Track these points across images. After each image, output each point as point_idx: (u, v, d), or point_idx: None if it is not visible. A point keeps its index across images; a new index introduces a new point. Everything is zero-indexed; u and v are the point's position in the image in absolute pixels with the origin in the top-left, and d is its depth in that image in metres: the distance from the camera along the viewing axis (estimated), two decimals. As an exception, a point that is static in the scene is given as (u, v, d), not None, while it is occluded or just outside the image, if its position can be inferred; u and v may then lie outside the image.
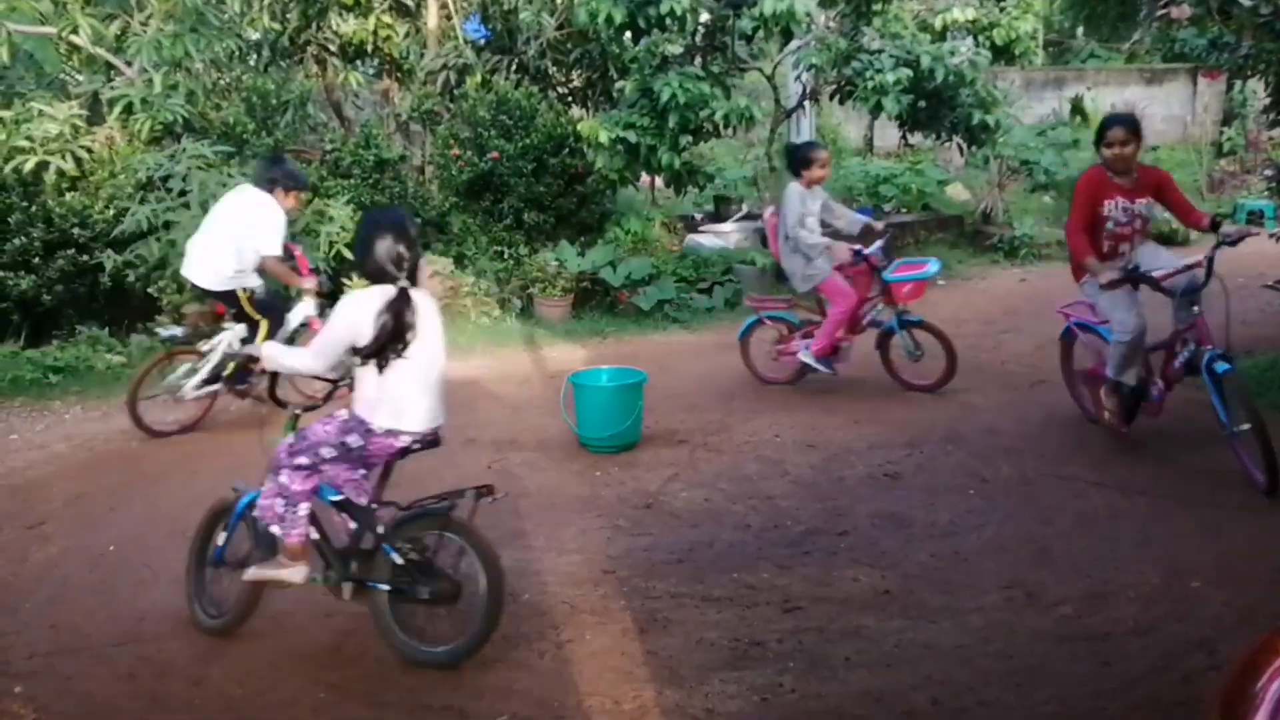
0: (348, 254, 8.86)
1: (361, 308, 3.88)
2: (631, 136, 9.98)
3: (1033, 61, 19.81)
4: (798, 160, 7.50)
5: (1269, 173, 8.35)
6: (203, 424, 7.22)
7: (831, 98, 11.60)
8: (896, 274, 7.38)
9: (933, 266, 7.58)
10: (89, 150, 9.26)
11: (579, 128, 10.28)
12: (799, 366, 7.58)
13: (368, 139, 10.45)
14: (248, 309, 6.96)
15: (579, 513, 5.56)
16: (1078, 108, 17.81)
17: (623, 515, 5.53)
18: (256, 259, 6.85)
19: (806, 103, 11.81)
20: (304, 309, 7.18)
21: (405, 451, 4.19)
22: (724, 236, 11.47)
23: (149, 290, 8.51)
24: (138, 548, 5.30)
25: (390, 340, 3.95)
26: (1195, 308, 5.63)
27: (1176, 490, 5.47)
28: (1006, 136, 12.27)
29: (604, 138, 9.92)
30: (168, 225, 8.42)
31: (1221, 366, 5.42)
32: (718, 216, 11.96)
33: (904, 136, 12.41)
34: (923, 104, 10.94)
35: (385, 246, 3.93)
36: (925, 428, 6.72)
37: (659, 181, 11.85)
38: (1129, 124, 5.80)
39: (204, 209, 8.36)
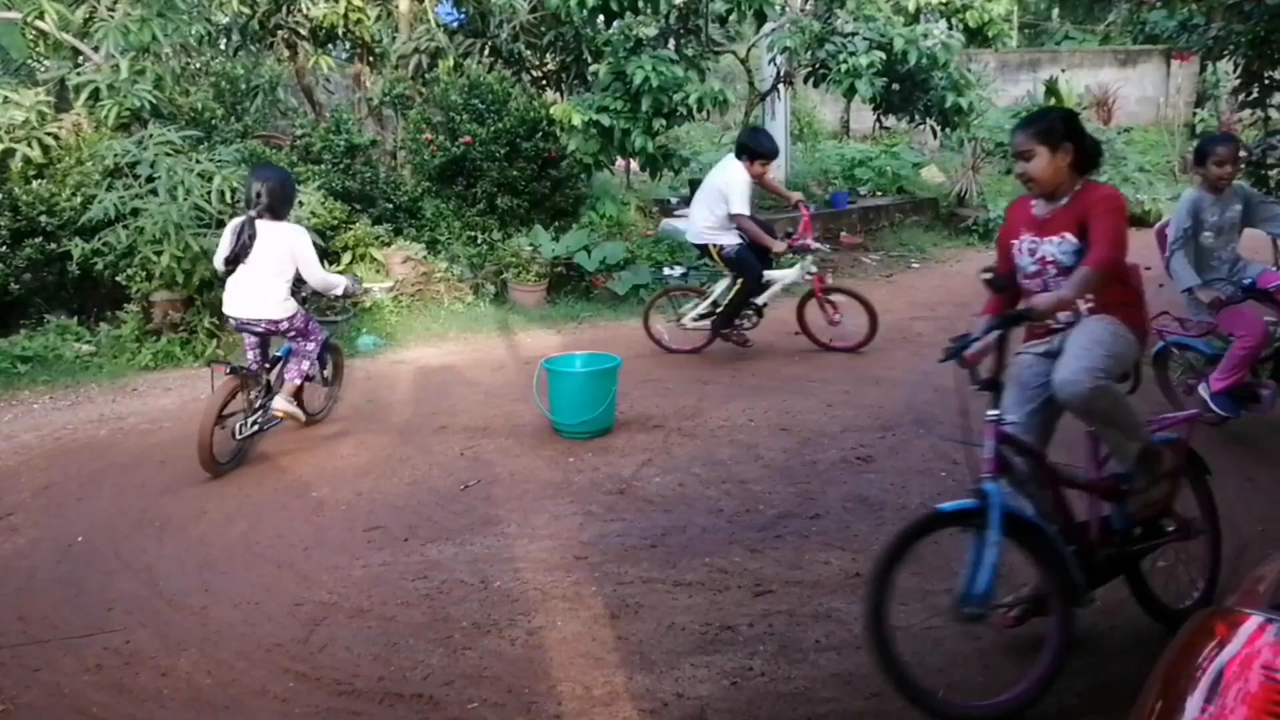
0: (317, 240, 8.79)
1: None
2: (605, 120, 9.94)
3: (1006, 44, 19.90)
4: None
5: (1241, 154, 8.38)
6: (704, 350, 8.25)
7: (806, 81, 11.58)
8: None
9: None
10: (55, 137, 9.15)
11: (552, 111, 10.23)
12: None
13: (339, 124, 10.37)
14: (717, 261, 8.00)
15: (552, 498, 5.55)
16: (1052, 90, 17.83)
17: (596, 501, 5.52)
18: (724, 216, 7.76)
19: (781, 86, 11.79)
20: (796, 271, 8.11)
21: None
22: (699, 220, 11.43)
23: (117, 278, 8.43)
24: (106, 538, 5.26)
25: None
26: None
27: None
28: (980, 119, 12.31)
29: (577, 121, 9.88)
30: (135, 212, 8.33)
31: None
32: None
33: (879, 119, 12.42)
34: (896, 87, 10.96)
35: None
36: (898, 411, 6.74)
37: (634, 165, 11.81)
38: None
39: (172, 196, 8.31)
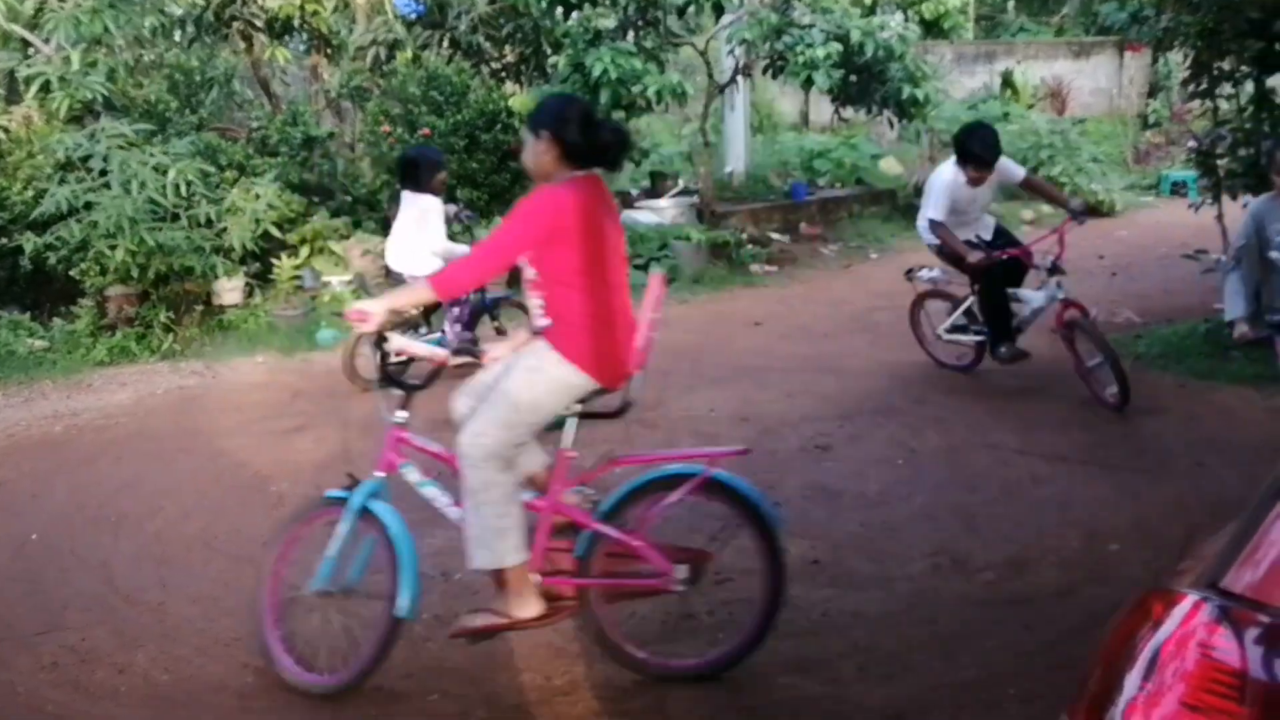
0: (275, 232, 8.74)
1: None
2: (564, 112, 9.90)
3: (963, 35, 20.05)
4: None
5: (1191, 144, 8.52)
6: (973, 368, 7.13)
7: (764, 72, 11.63)
8: None
9: None
10: (5, 130, 9.03)
11: (511, 103, 10.21)
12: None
13: (295, 116, 10.29)
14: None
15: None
16: (1008, 81, 18.02)
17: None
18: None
19: (740, 78, 11.82)
20: (1042, 295, 6.56)
21: None
22: (660, 212, 11.45)
23: (71, 273, 8.32)
24: (62, 535, 5.20)
25: None
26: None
27: (1097, 456, 5.60)
28: (937, 110, 12.41)
29: (536, 113, 9.84)
30: (89, 206, 8.23)
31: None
32: (654, 192, 11.94)
33: (837, 111, 12.49)
34: (854, 78, 11.03)
35: None
36: (857, 400, 6.80)
37: (594, 157, 11.79)
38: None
39: (126, 189, 8.21)
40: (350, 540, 3.72)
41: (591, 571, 3.63)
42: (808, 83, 10.61)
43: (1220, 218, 7.56)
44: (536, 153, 3.53)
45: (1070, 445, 5.82)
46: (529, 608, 3.54)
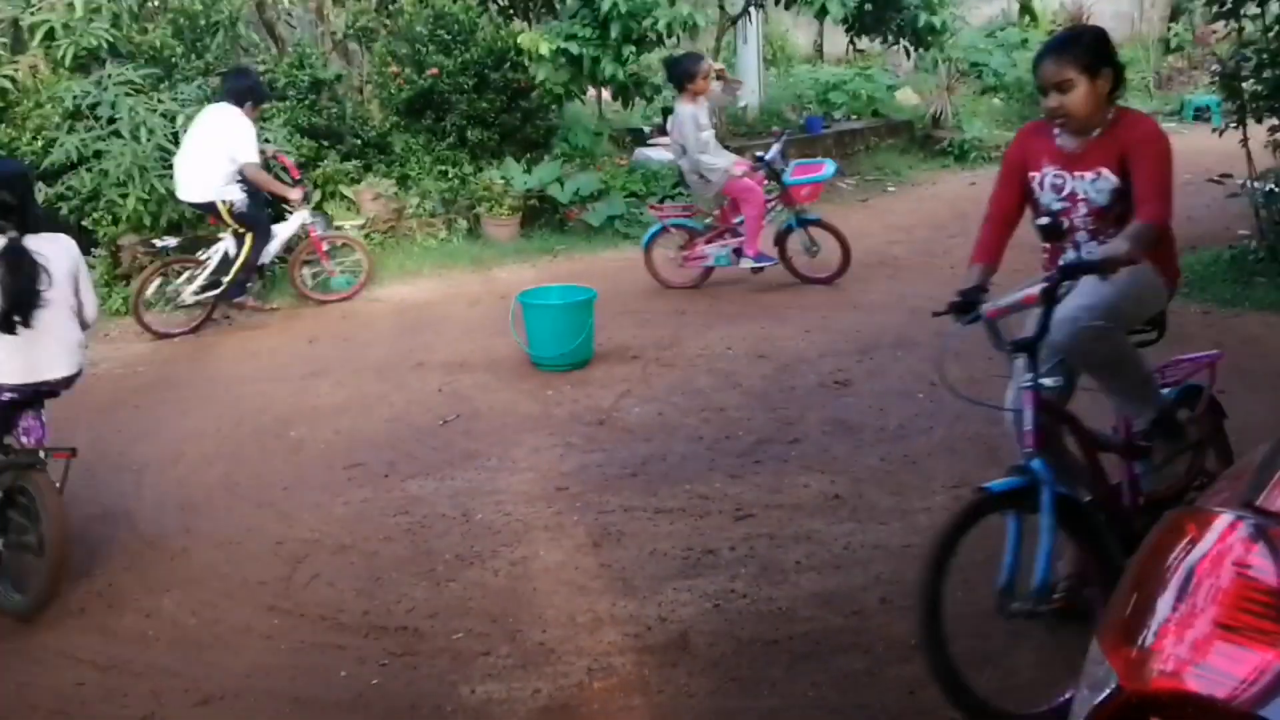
0: (286, 178, 8.66)
1: None
2: (574, 48, 9.77)
3: (980, -40, 19.57)
4: (681, 74, 7.69)
5: (1214, 68, 8.32)
6: (202, 329, 7.72)
7: (777, 3, 11.40)
8: (794, 176, 7.77)
9: (829, 168, 8.02)
10: (12, 80, 8.93)
11: (520, 40, 10.04)
12: (703, 271, 8.03)
13: (302, 59, 10.15)
14: (227, 220, 7.53)
15: (531, 431, 5.55)
16: (1026, 7, 17.63)
17: (575, 432, 5.53)
18: (234, 170, 7.41)
19: (752, 9, 11.60)
20: (298, 218, 8.00)
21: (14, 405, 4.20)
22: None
23: (83, 223, 8.29)
24: (84, 483, 5.20)
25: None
26: None
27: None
28: (954, 38, 12.18)
29: (545, 50, 9.70)
30: (99, 155, 8.17)
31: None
32: (667, 129, 11.77)
33: (852, 42, 12.28)
34: (869, 7, 10.81)
35: None
36: (875, 334, 6.75)
37: (605, 95, 11.65)
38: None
39: (135, 137, 8.15)
40: (1050, 536, 3.09)
41: None
42: (821, 12, 10.42)
43: (1245, 142, 7.40)
44: (1098, 92, 3.28)
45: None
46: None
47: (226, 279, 7.56)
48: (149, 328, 7.57)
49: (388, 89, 10.38)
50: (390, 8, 11.19)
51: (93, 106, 8.43)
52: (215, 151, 7.39)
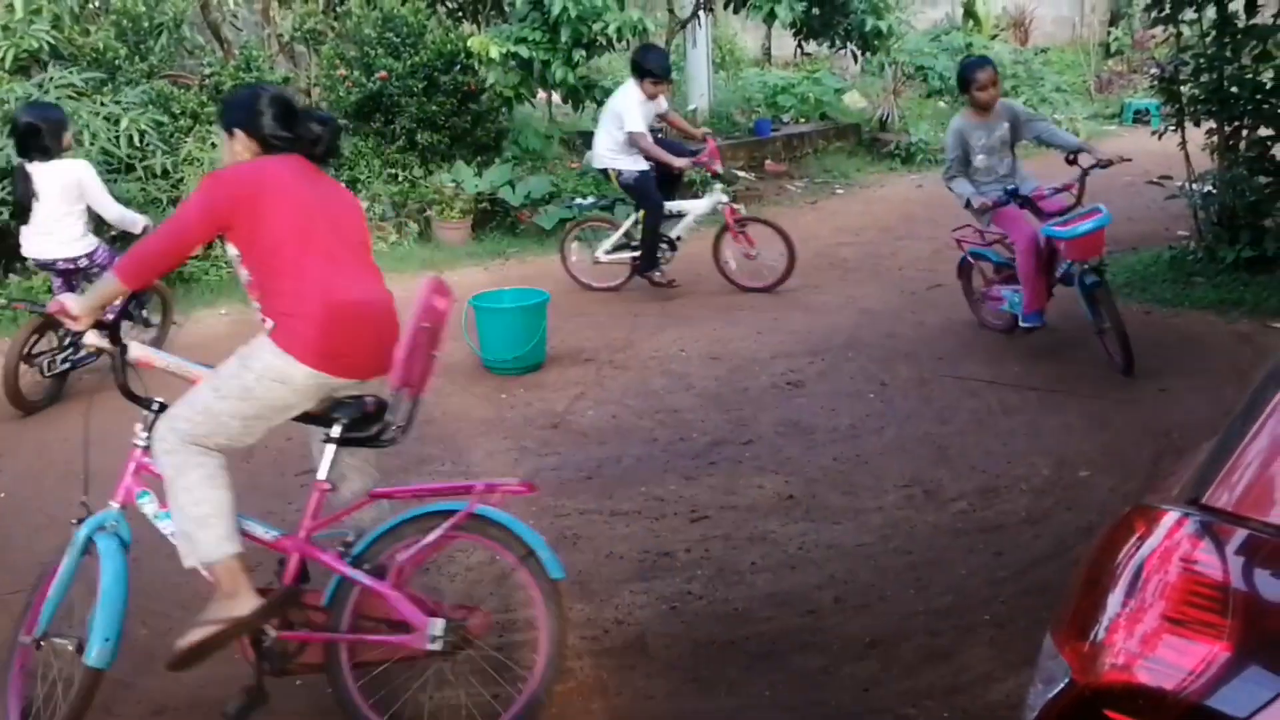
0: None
1: None
2: (524, 51, 9.76)
3: (924, -34, 19.81)
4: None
5: (1153, 71, 8.50)
6: (623, 288, 8.09)
7: (726, 7, 11.46)
8: (1067, 227, 5.64)
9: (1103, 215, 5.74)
10: (-51, 82, 8.74)
11: (470, 44, 10.00)
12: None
13: (248, 62, 10.03)
14: (617, 187, 7.95)
15: (485, 435, 5.54)
16: (970, 11, 17.88)
17: (529, 436, 5.52)
18: (623, 139, 7.57)
19: (701, 13, 11.66)
20: (712, 197, 7.94)
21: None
22: (623, 152, 11.33)
23: (25, 228, 8.13)
24: (31, 493, 5.14)
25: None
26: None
27: (1065, 385, 5.66)
28: (900, 42, 12.32)
29: (495, 53, 9.68)
30: (40, 159, 8.02)
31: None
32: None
33: (800, 45, 12.37)
34: (816, 11, 10.91)
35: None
36: (826, 335, 6.82)
37: (556, 97, 11.64)
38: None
39: (77, 141, 8.00)
40: (74, 579, 3.25)
41: (340, 625, 3.11)
42: (770, 16, 10.48)
43: (1184, 145, 7.57)
44: (233, 153, 3.21)
45: (1037, 375, 5.87)
46: (244, 603, 3.01)
47: (635, 249, 7.86)
48: (576, 278, 8.14)
49: (336, 92, 10.30)
50: (338, 10, 11.11)
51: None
52: (609, 120, 7.69)
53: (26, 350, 6.05)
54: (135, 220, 6.33)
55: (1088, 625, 1.64)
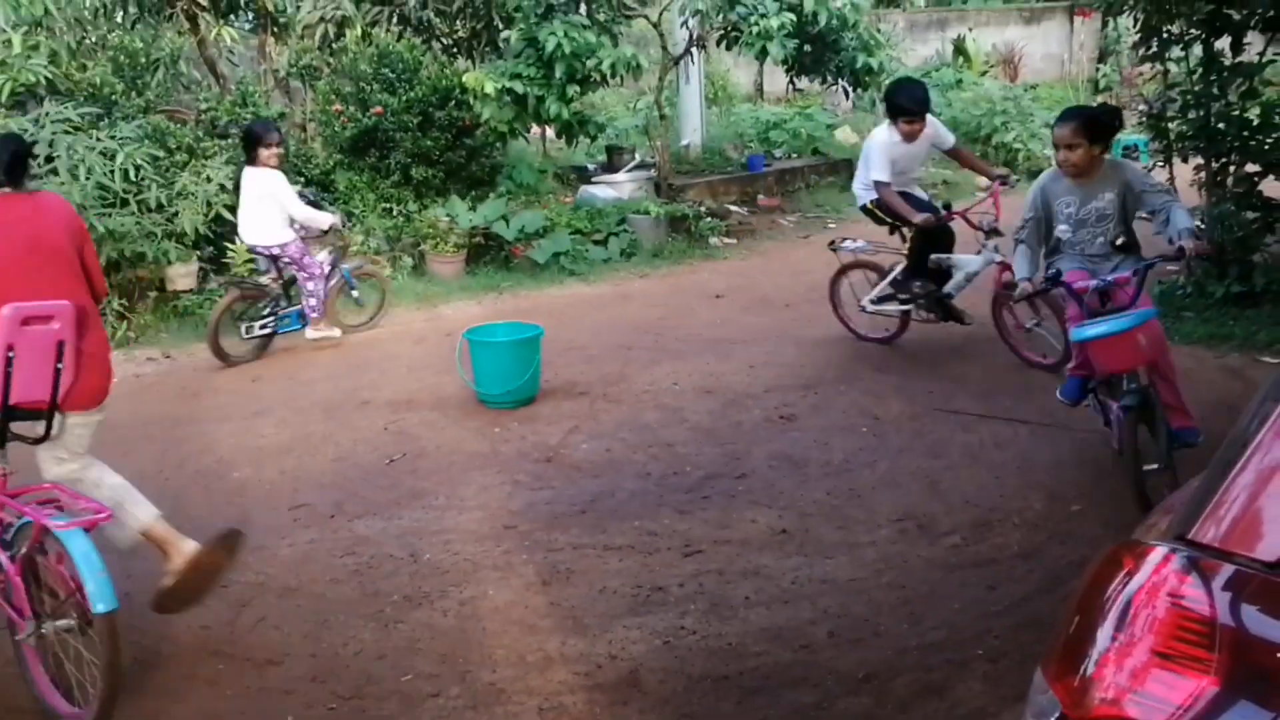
0: (229, 216, 8.61)
1: None
2: (518, 87, 9.85)
3: (914, 3, 20.11)
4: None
5: (1142, 108, 8.60)
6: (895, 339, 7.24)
7: (719, 44, 11.59)
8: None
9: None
10: (-54, 116, 8.79)
11: (465, 80, 10.09)
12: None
13: (244, 97, 10.11)
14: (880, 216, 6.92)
15: (479, 469, 5.54)
16: (960, 48, 18.10)
17: (523, 470, 5.52)
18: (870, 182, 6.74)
19: (694, 50, 11.77)
20: (986, 256, 6.62)
21: None
22: (618, 187, 11.42)
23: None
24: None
25: None
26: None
27: (1056, 419, 5.67)
28: (891, 78, 12.42)
29: (490, 89, 9.77)
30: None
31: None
32: (611, 167, 11.90)
33: (791, 81, 12.50)
34: (808, 48, 11.05)
35: None
36: (819, 369, 6.84)
37: (549, 132, 11.73)
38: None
39: (74, 175, 8.05)
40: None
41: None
42: (762, 53, 10.60)
43: (1171, 179, 7.65)
44: None
45: (1029, 409, 5.89)
46: None
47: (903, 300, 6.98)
48: (846, 324, 7.38)
49: (331, 127, 10.37)
50: (333, 46, 11.19)
51: (30, 144, 8.30)
52: (860, 161, 6.96)
53: (227, 315, 7.62)
54: (322, 220, 7.78)
55: (1077, 660, 1.65)
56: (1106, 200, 4.91)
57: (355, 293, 8.20)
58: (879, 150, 6.64)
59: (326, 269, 7.89)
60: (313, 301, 7.78)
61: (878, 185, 6.63)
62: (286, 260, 7.66)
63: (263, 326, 7.75)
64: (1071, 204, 4.96)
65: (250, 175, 7.61)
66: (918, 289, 6.88)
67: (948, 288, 6.76)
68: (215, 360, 7.57)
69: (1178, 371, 4.90)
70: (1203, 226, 7.48)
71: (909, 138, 6.64)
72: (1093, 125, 4.81)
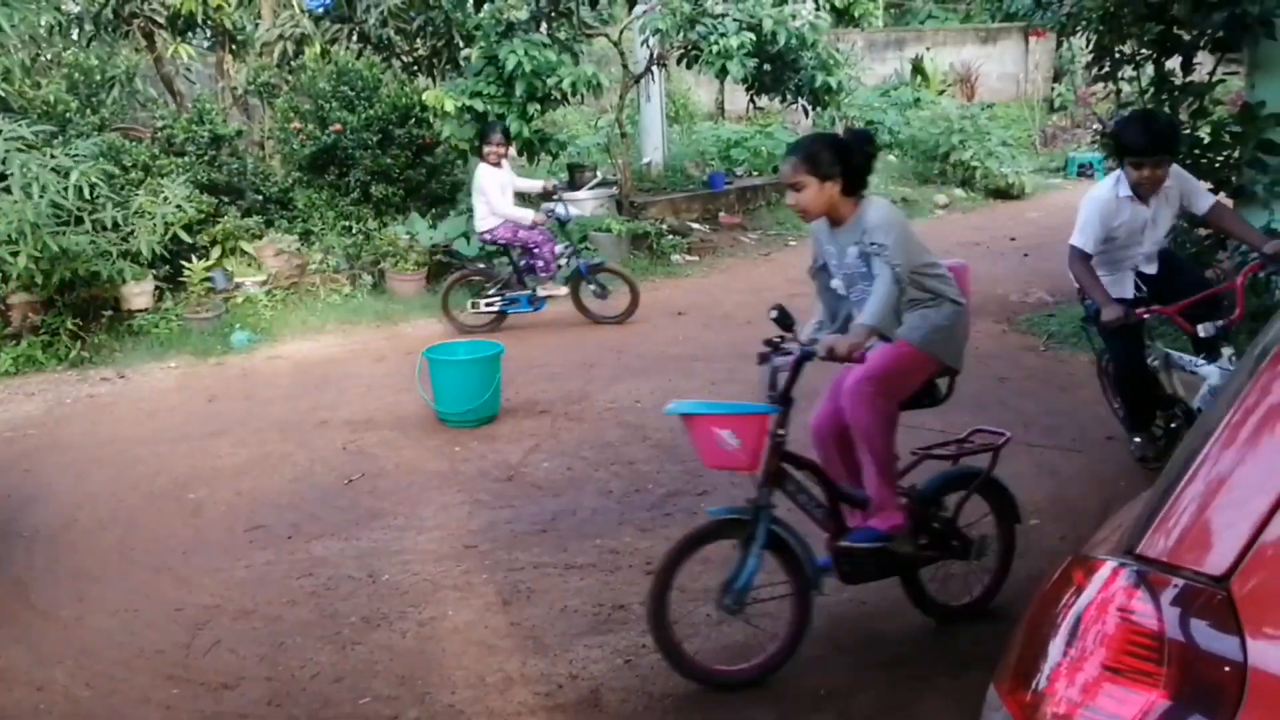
0: (185, 236, 8.53)
1: None
2: (479, 105, 9.84)
3: (873, 23, 20.28)
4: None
5: (1096, 127, 8.75)
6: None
7: (679, 63, 11.64)
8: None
9: None
10: (-105, 134, 8.64)
11: (425, 98, 10.08)
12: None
13: (202, 114, 10.02)
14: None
15: (438, 489, 5.51)
16: (918, 68, 18.31)
17: (484, 489, 5.49)
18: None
19: (654, 68, 11.82)
20: (1220, 365, 4.69)
21: None
22: (579, 204, 11.41)
23: (-30, 281, 8.03)
24: None
25: None
26: None
27: (1015, 435, 5.69)
28: (850, 97, 12.55)
29: (450, 107, 9.76)
30: (-12, 212, 7.93)
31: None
32: (572, 184, 11.90)
33: (752, 100, 12.58)
34: (767, 67, 11.11)
35: None
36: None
37: (511, 151, 11.72)
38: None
39: (26, 193, 7.94)
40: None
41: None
42: (722, 72, 10.65)
43: (1125, 197, 7.75)
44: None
45: (989, 425, 5.93)
46: None
47: None
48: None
49: (290, 144, 10.31)
50: (292, 64, 11.14)
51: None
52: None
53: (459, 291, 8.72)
54: (521, 216, 8.49)
55: (1029, 675, 1.66)
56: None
57: (592, 286, 8.62)
58: (1092, 211, 4.79)
59: (545, 238, 8.56)
60: (539, 264, 8.51)
61: (1075, 255, 4.81)
62: (504, 243, 8.52)
63: (488, 305, 8.55)
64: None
65: (476, 170, 8.60)
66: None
67: (1195, 403, 4.71)
68: (164, 380, 7.49)
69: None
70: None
71: (1144, 186, 4.69)
72: (818, 159, 3.70)
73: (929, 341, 3.76)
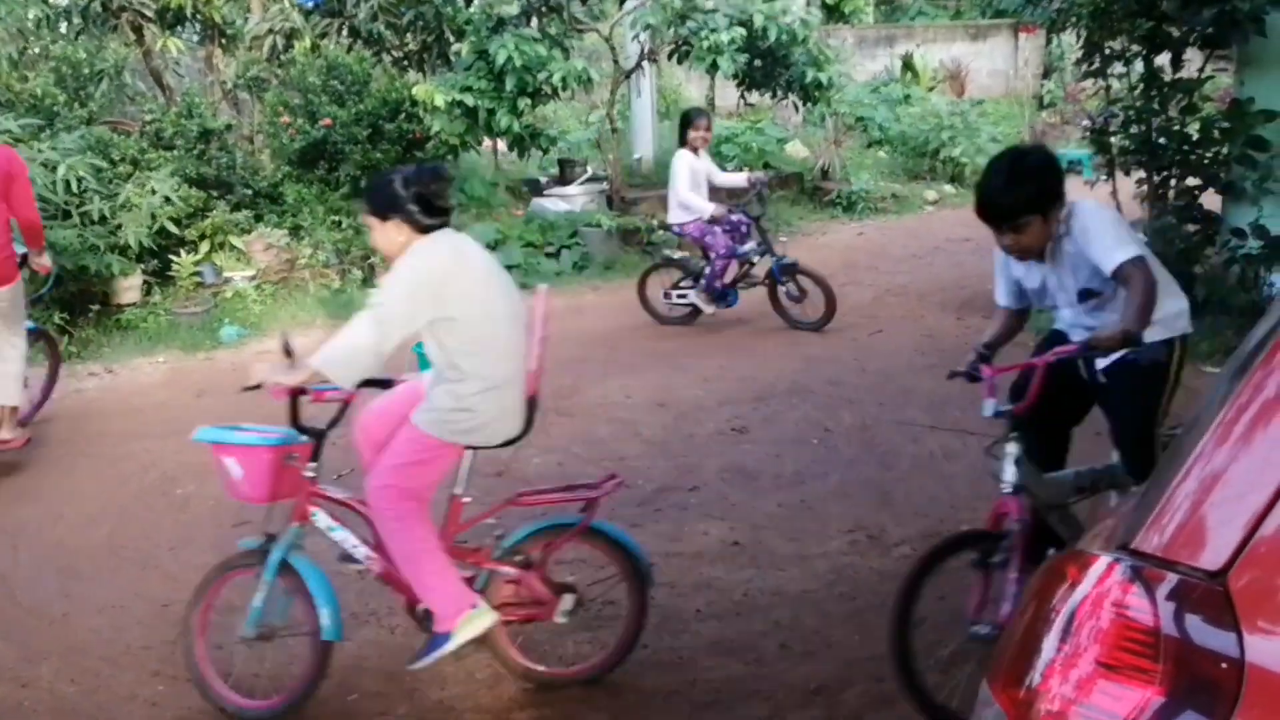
0: (173, 228, 8.48)
1: None
2: (469, 100, 9.81)
3: (863, 19, 20.31)
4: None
5: (1085, 123, 8.75)
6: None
7: (670, 58, 11.62)
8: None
9: None
10: (-119, 127, 8.58)
11: (415, 92, 10.04)
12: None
13: (190, 108, 9.96)
14: None
15: (428, 484, 5.47)
16: (908, 64, 18.31)
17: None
18: None
19: (645, 64, 11.80)
20: None
21: None
22: (570, 199, 11.40)
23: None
24: None
25: None
26: None
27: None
28: (840, 93, 12.54)
29: (440, 102, 9.73)
30: (-27, 205, 7.87)
31: None
32: (563, 180, 11.87)
33: (742, 95, 12.56)
34: (758, 63, 11.10)
35: None
36: (771, 382, 6.86)
37: (501, 145, 11.70)
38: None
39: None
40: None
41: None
42: (713, 68, 10.64)
43: (1115, 194, 7.78)
44: None
45: (978, 420, 5.92)
46: None
47: None
48: None
49: (279, 139, 10.25)
50: (282, 58, 11.08)
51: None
52: None
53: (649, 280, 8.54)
54: (701, 207, 8.11)
55: (1023, 672, 1.65)
56: None
57: (783, 289, 8.21)
58: (996, 260, 4.07)
59: (724, 249, 8.09)
60: (705, 273, 8.15)
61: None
62: (693, 241, 8.35)
63: (680, 297, 8.33)
64: None
65: (675, 156, 8.29)
66: None
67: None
68: (153, 375, 7.44)
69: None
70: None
71: (1012, 252, 3.77)
72: None
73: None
